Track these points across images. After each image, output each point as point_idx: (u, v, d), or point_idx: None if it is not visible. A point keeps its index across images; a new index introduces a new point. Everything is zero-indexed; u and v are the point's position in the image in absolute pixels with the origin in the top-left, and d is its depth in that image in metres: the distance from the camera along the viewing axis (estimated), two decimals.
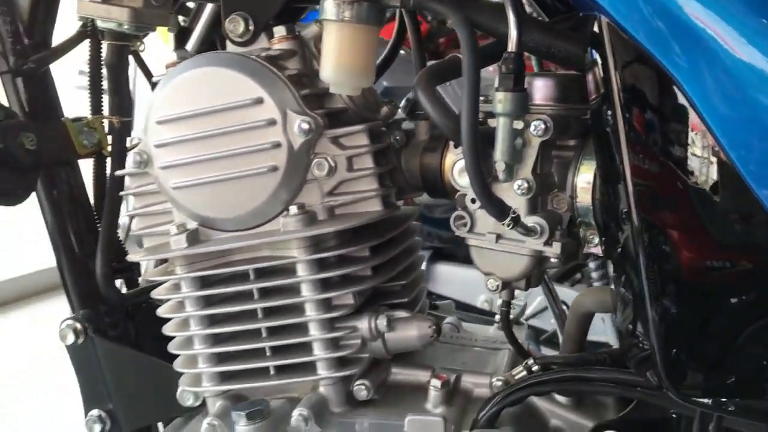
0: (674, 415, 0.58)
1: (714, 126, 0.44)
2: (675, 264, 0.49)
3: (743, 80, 0.43)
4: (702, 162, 0.46)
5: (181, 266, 0.62)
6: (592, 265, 1.34)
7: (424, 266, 1.22)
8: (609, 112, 0.49)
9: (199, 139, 0.60)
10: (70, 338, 0.74)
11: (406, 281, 0.67)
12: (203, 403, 0.68)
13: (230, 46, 0.63)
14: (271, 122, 0.58)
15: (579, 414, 0.62)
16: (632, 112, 0.47)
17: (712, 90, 0.44)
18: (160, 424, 0.79)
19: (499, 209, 0.53)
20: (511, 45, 0.52)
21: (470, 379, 0.64)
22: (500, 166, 0.55)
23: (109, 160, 0.77)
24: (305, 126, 0.58)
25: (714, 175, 0.46)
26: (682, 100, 0.45)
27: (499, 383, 0.62)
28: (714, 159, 0.45)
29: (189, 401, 0.68)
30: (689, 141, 0.46)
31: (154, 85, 0.66)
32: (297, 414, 0.58)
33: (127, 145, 0.64)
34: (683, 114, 0.46)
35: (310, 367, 0.62)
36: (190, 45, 0.74)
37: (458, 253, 1.70)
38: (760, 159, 0.44)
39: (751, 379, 0.48)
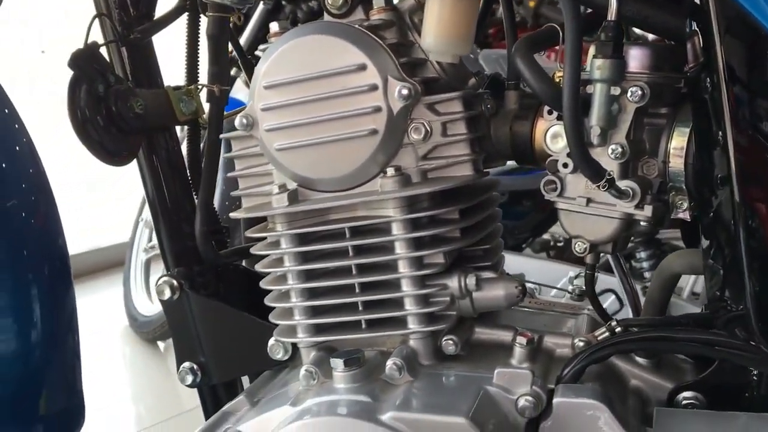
0: (755, 378, 0.60)
1: None
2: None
3: None
4: None
5: (281, 224, 0.67)
6: (643, 254, 1.36)
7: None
8: (708, 80, 0.51)
9: (304, 103, 0.63)
10: (167, 293, 0.78)
11: (490, 245, 0.70)
12: (290, 359, 0.72)
13: (328, 17, 0.67)
14: (373, 87, 0.62)
15: (659, 376, 0.65)
16: (734, 81, 0.49)
17: None
18: (245, 378, 0.84)
19: (596, 171, 0.56)
20: (611, 14, 0.55)
21: (552, 340, 0.67)
22: (595, 131, 0.57)
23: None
24: (405, 91, 0.61)
25: None
26: None
27: (581, 344, 0.65)
28: None
29: (279, 354, 0.72)
30: None
31: (248, 66, 0.71)
32: (391, 363, 0.61)
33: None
34: None
35: (400, 322, 0.65)
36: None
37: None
38: None
39: None
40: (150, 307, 2.76)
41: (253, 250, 0.70)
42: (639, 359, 0.65)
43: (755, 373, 0.60)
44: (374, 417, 0.56)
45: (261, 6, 1.57)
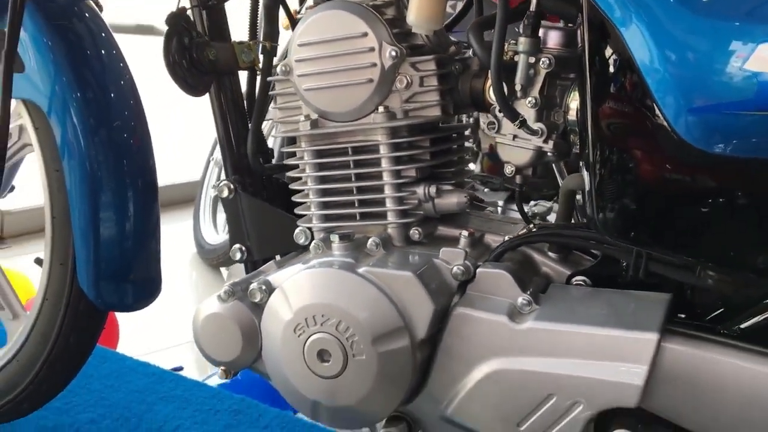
0: (624, 269, 0.85)
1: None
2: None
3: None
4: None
5: (305, 143, 0.95)
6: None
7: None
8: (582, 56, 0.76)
9: (324, 58, 0.90)
10: (225, 193, 1.08)
11: (455, 169, 0.97)
12: (308, 244, 1.00)
13: None
14: (371, 49, 0.88)
15: (563, 266, 0.90)
16: (593, 57, 0.74)
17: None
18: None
19: (513, 114, 0.82)
20: (532, 6, 0.80)
21: (491, 237, 0.94)
22: (518, 87, 0.83)
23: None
24: (393, 53, 0.87)
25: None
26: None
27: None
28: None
29: (301, 240, 1.01)
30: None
31: (294, 23, 0.98)
32: (371, 240, 0.89)
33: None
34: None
35: (382, 216, 0.93)
36: None
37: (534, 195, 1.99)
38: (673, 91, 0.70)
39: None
40: (215, 237, 3.07)
41: (286, 162, 0.99)
42: (550, 253, 0.91)
43: (624, 264, 0.85)
44: (353, 269, 0.85)
45: None
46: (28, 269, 1.85)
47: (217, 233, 3.14)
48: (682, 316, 0.83)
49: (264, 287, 0.90)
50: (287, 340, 0.86)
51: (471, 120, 1.06)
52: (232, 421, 1.62)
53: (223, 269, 3.15)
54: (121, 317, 2.18)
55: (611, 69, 0.75)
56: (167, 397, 1.69)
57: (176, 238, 3.22)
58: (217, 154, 3.33)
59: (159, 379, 1.77)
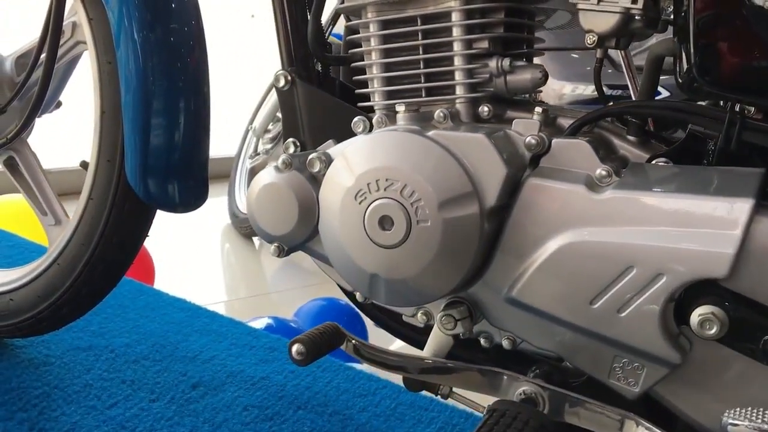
0: (711, 149, 0.79)
1: None
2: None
3: None
4: None
5: (371, 12, 0.90)
6: None
7: None
8: None
9: None
10: (281, 82, 1.03)
11: (528, 49, 0.91)
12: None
13: None
14: None
15: (642, 149, 0.84)
16: None
17: None
18: None
19: None
20: None
21: (566, 121, 0.88)
22: None
23: None
24: None
25: None
26: None
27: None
28: None
29: (360, 128, 0.96)
30: None
31: None
32: (438, 111, 0.84)
33: None
34: None
35: (451, 91, 0.88)
36: None
37: None
38: None
39: None
40: None
41: (350, 38, 0.94)
42: (629, 137, 0.85)
43: (712, 143, 0.79)
44: (421, 133, 0.80)
45: None
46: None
47: None
48: None
49: (323, 157, 0.85)
50: (347, 209, 0.81)
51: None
52: (268, 357, 1.59)
53: (255, 239, 3.15)
54: (157, 273, 2.16)
55: None
56: (203, 330, 1.66)
57: (210, 211, 3.24)
58: (256, 123, 3.32)
59: (195, 314, 1.74)
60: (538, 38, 0.96)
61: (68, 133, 2.62)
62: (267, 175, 0.87)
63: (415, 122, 0.83)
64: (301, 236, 0.87)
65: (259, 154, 3.34)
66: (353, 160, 0.81)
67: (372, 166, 0.80)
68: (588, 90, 2.50)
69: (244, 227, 3.09)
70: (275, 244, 0.89)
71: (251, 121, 3.36)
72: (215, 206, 3.24)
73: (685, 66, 0.73)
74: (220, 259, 3.06)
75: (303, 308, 2.02)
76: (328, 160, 0.85)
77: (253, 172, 3.34)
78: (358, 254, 0.82)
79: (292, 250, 0.91)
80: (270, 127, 3.31)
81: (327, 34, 1.32)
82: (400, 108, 0.84)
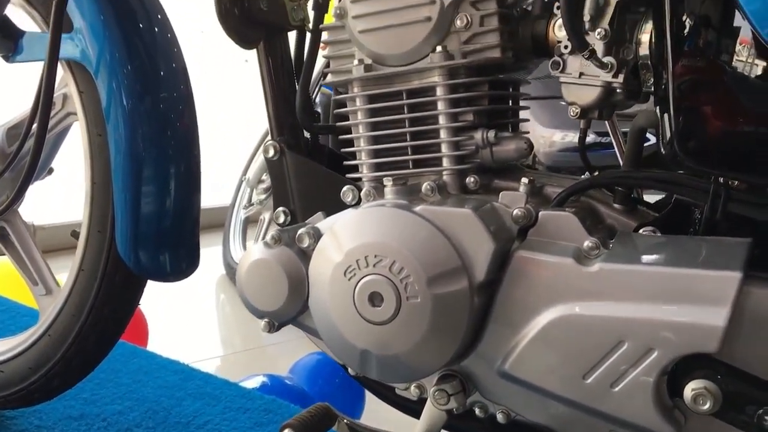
0: (697, 218, 0.80)
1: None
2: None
3: None
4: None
5: (358, 88, 0.91)
6: None
7: None
8: None
9: None
10: (271, 153, 1.04)
11: (513, 120, 0.92)
12: (356, 204, 0.96)
13: None
14: None
15: (629, 217, 0.85)
16: None
17: None
18: None
19: (582, 42, 0.78)
20: None
21: (552, 189, 0.89)
22: (587, 18, 0.79)
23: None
24: None
25: None
26: None
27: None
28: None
29: (349, 198, 0.96)
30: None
31: None
32: (426, 184, 0.85)
33: None
34: None
35: (437, 163, 0.89)
36: None
37: None
38: None
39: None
40: None
41: (336, 112, 0.95)
42: (616, 205, 0.86)
43: (698, 212, 0.80)
44: (409, 208, 0.80)
45: None
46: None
47: None
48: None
49: (312, 232, 0.86)
50: (336, 285, 0.81)
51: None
52: (263, 419, 1.56)
53: None
54: (151, 329, 2.14)
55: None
56: (196, 393, 1.64)
57: (204, 262, 3.22)
58: (249, 173, 3.33)
59: (188, 376, 1.72)
60: (525, 93, 0.97)
61: (60, 193, 2.63)
62: (256, 251, 0.87)
63: (403, 196, 0.84)
64: (292, 312, 0.87)
65: (253, 204, 3.35)
66: (342, 236, 0.81)
67: (361, 242, 0.80)
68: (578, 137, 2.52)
69: None
70: (266, 320, 0.89)
71: (244, 172, 3.38)
72: (210, 256, 3.22)
73: (668, 136, 0.73)
74: (215, 310, 3.04)
75: (299, 363, 1.99)
76: (317, 235, 0.85)
77: (247, 222, 3.34)
78: (348, 330, 0.81)
79: (283, 325, 0.90)
80: (263, 177, 3.33)
81: (316, 92, 1.33)
82: (388, 182, 0.84)
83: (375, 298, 0.79)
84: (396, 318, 0.79)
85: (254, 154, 3.30)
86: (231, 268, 3.14)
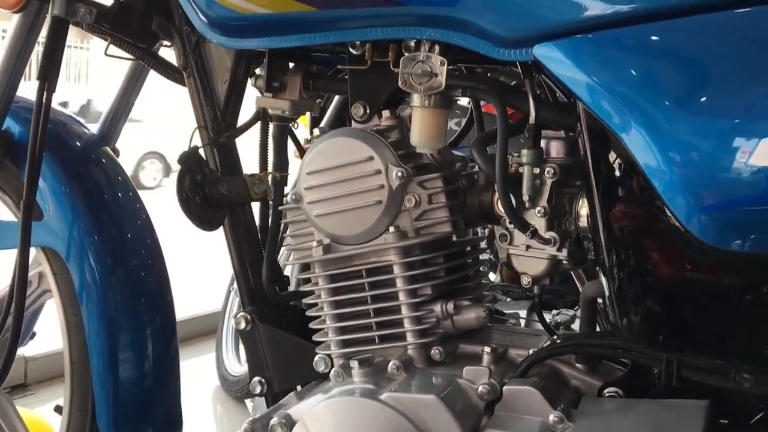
0: (656, 377, 0.82)
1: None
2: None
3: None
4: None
5: (318, 268, 0.94)
6: None
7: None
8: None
9: (333, 184, 0.92)
10: (242, 324, 1.06)
11: (473, 284, 0.95)
12: (329, 372, 0.98)
13: (354, 124, 0.96)
14: (378, 172, 0.89)
15: (592, 377, 0.86)
16: (598, 165, 0.75)
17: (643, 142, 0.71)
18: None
19: (523, 224, 0.81)
20: (531, 119, 0.81)
21: (515, 352, 0.91)
22: (525, 197, 0.83)
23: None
24: (400, 174, 0.88)
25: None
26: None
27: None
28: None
29: (321, 368, 0.98)
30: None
31: (303, 152, 1.00)
32: (392, 363, 0.87)
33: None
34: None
35: (401, 337, 0.91)
36: (323, 122, 1.07)
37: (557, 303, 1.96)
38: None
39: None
40: (239, 368, 3.02)
41: (302, 288, 0.98)
42: (578, 365, 0.88)
43: (656, 372, 0.82)
44: (375, 396, 0.82)
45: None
46: (50, 415, 1.83)
47: (240, 364, 3.10)
48: (725, 421, 0.79)
49: (284, 421, 0.87)
50: None
51: (486, 231, 1.06)
52: None
53: (247, 401, 3.08)
54: None
55: (617, 173, 0.75)
56: None
57: (200, 371, 3.19)
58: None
59: None
60: (482, 249, 1.01)
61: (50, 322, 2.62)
62: None
63: (370, 378, 0.85)
64: None
65: None
66: (313, 428, 0.83)
67: None
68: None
69: (235, 390, 3.05)
70: None
71: (232, 282, 3.39)
72: (204, 365, 3.20)
73: (614, 314, 0.76)
74: (213, 424, 2.99)
75: None
76: (290, 424, 0.87)
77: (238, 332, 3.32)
78: None
79: None
80: None
81: None
82: (354, 364, 0.86)
83: None
84: None
85: None
86: (226, 380, 3.11)
